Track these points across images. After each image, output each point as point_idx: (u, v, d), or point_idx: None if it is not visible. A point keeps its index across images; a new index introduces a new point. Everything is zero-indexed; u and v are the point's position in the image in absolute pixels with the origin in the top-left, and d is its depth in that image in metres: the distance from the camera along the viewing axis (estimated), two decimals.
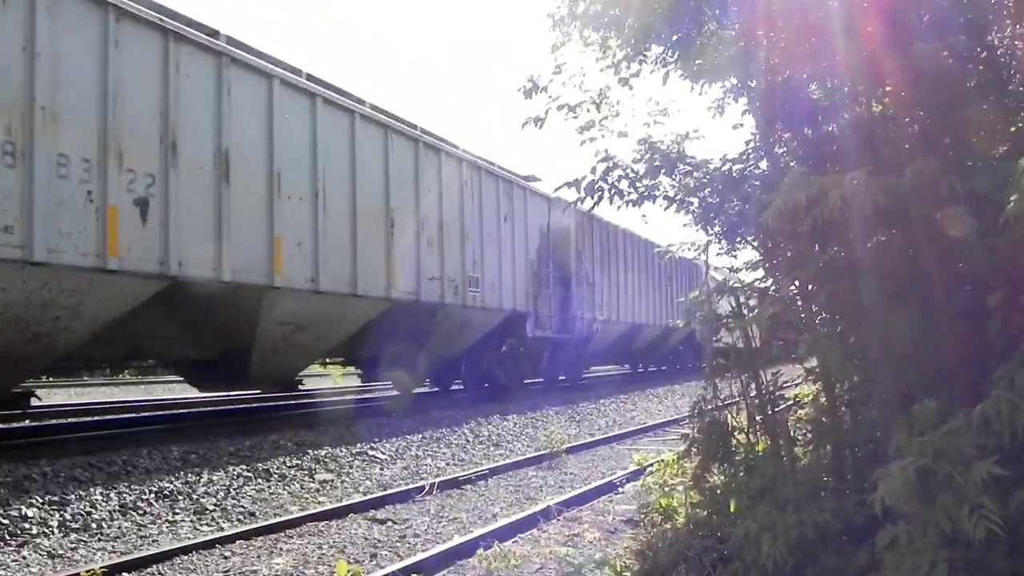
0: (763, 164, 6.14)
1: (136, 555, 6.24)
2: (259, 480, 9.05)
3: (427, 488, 8.90)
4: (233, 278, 10.42)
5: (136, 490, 7.96)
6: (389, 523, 7.62)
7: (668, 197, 6.33)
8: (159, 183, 9.46)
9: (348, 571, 5.51)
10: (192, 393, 17.87)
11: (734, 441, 5.76)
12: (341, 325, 13.18)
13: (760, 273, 6.36)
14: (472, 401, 17.55)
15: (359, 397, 18.58)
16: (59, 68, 8.39)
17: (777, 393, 5.66)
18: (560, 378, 23.63)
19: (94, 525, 7.10)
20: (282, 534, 7.11)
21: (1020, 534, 3.39)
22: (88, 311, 8.97)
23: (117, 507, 7.54)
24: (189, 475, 8.67)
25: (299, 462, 9.92)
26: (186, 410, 15.88)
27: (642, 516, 7.18)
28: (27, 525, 6.78)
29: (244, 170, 10.67)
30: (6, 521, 6.74)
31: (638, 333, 27.26)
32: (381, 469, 10.32)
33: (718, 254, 7.07)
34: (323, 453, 10.46)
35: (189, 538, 6.93)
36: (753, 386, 5.69)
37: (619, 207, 6.31)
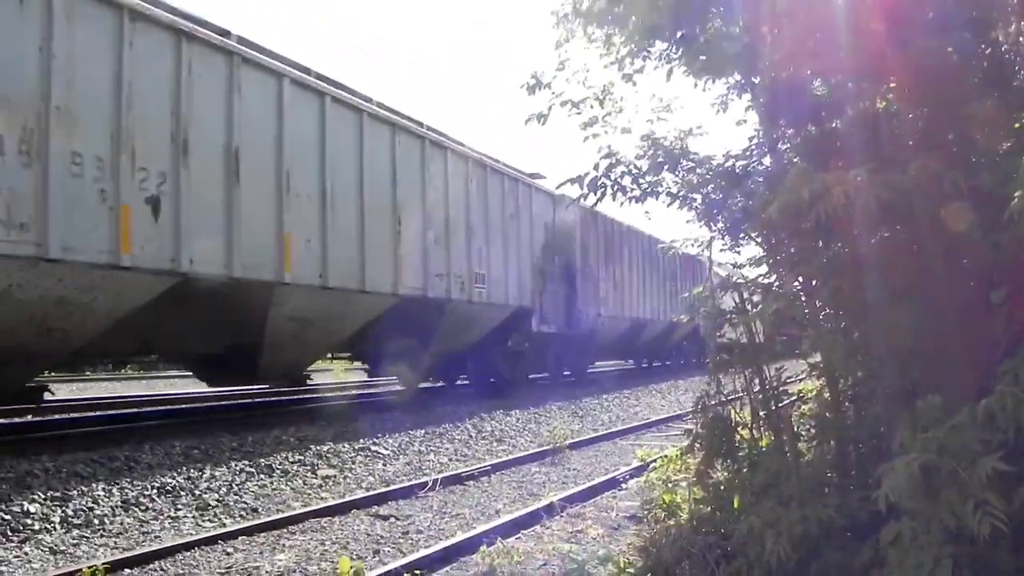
0: (766, 160, 6.13)
1: (138, 551, 6.25)
2: (261, 476, 9.06)
3: (430, 484, 8.90)
4: (243, 274, 10.52)
5: (138, 486, 7.97)
6: (392, 519, 7.62)
7: (671, 193, 6.32)
8: (171, 181, 9.54)
9: (351, 567, 5.51)
10: (194, 388, 17.90)
11: (738, 437, 5.76)
12: (349, 321, 13.30)
13: (763, 269, 6.35)
14: (475, 396, 17.56)
15: (362, 392, 18.59)
16: (74, 68, 8.45)
17: (781, 389, 5.66)
18: (565, 373, 23.66)
19: (96, 521, 7.11)
20: (285, 530, 7.12)
21: None
22: (101, 307, 9.09)
23: (119, 503, 7.55)
24: (191, 471, 8.68)
25: (302, 458, 9.93)
26: (188, 405, 15.89)
27: (645, 512, 7.17)
28: (29, 521, 6.78)
29: (254, 168, 10.75)
30: (8, 517, 6.74)
31: (642, 329, 27.31)
32: (384, 465, 10.33)
33: (721, 250, 7.06)
34: (326, 449, 10.46)
35: (191, 534, 6.95)
36: (757, 382, 5.69)
37: (622, 203, 6.30)
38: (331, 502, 8.11)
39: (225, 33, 10.53)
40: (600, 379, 24.50)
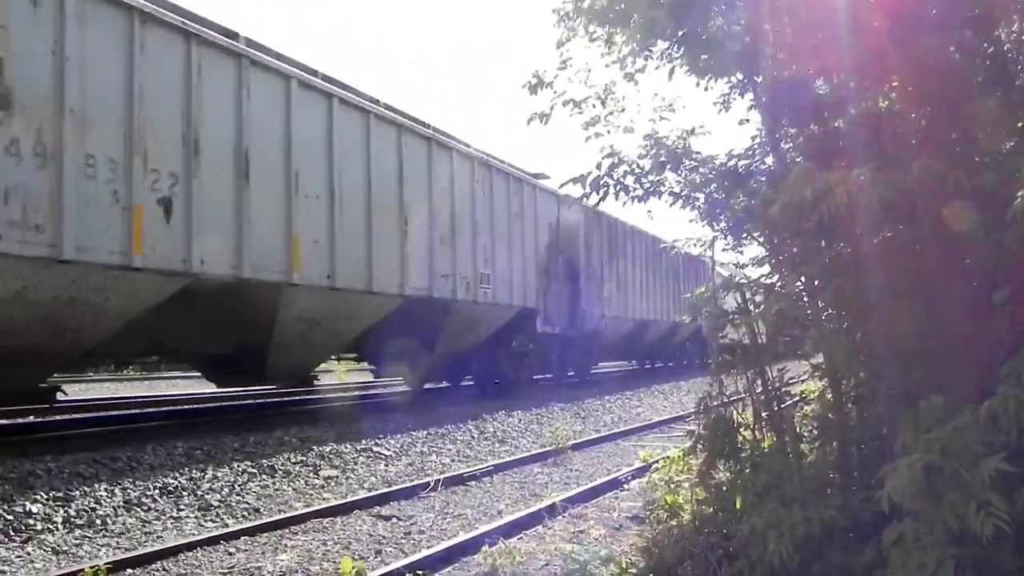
0: (769, 160, 6.12)
1: (141, 551, 6.24)
2: (264, 476, 9.05)
3: (432, 484, 8.89)
4: (253, 275, 10.59)
5: (141, 486, 7.97)
6: (394, 520, 7.62)
7: (674, 193, 6.31)
8: (182, 182, 9.64)
9: (353, 568, 5.50)
10: (196, 389, 17.91)
11: (740, 438, 5.75)
12: (356, 321, 13.37)
13: (766, 269, 6.35)
14: (477, 397, 17.56)
15: (365, 393, 18.60)
16: (86, 71, 8.54)
17: (783, 389, 5.65)
18: (569, 374, 23.66)
19: (98, 521, 7.11)
20: (287, 531, 7.11)
21: None
22: (113, 307, 9.19)
23: (122, 503, 7.55)
24: (194, 471, 8.68)
25: (304, 458, 9.92)
26: (191, 406, 15.90)
27: (648, 513, 7.17)
28: (32, 521, 6.78)
29: (263, 169, 10.84)
30: (11, 517, 6.74)
31: (645, 329, 27.29)
32: (386, 465, 10.33)
33: (724, 250, 7.06)
34: (328, 449, 10.46)
35: (194, 534, 6.94)
36: (759, 382, 5.68)
37: (624, 203, 6.29)
38: (333, 502, 8.10)
39: (233, 35, 10.61)
40: (602, 380, 24.49)
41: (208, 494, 8.18)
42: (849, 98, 5.09)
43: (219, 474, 8.75)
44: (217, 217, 10.11)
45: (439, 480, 9.06)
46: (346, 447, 10.70)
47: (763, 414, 5.73)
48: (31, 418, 12.76)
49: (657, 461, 8.32)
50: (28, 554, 6.23)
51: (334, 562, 6.09)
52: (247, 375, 12.98)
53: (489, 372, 18.94)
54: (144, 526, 7.21)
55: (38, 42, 8.13)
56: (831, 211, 3.91)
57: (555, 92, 6.55)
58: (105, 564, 5.53)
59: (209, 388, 18.79)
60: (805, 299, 5.39)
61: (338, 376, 22.98)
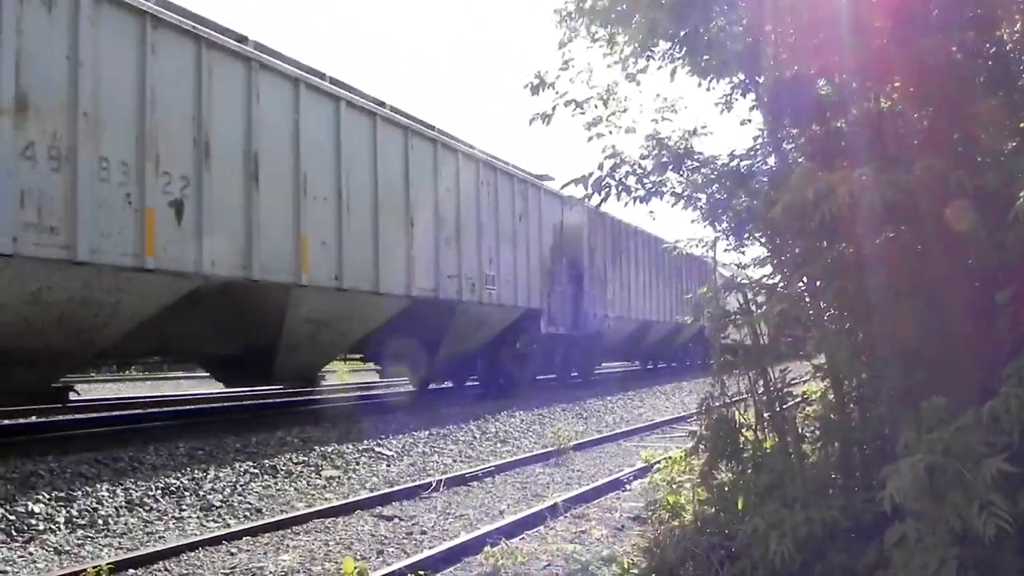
0: (771, 160, 6.12)
1: (143, 551, 6.25)
2: (265, 476, 9.06)
3: (434, 485, 8.89)
4: (262, 276, 10.69)
5: (143, 486, 7.97)
6: (396, 520, 7.62)
7: (676, 193, 6.31)
8: (193, 185, 9.73)
9: (355, 568, 5.50)
10: (198, 389, 17.91)
11: (742, 438, 5.75)
12: (363, 322, 13.44)
13: (768, 269, 6.35)
14: (479, 398, 17.56)
15: (366, 393, 18.60)
16: (100, 75, 8.65)
17: (785, 390, 5.65)
18: (572, 374, 23.69)
19: (101, 521, 7.11)
20: (289, 531, 7.11)
21: None
22: (126, 308, 9.27)
23: (124, 503, 7.55)
24: (195, 471, 8.68)
25: (306, 458, 9.92)
26: (192, 406, 15.90)
27: (649, 513, 7.16)
28: (34, 521, 6.78)
29: (272, 172, 10.95)
30: (13, 517, 6.75)
31: (648, 330, 27.30)
32: (388, 466, 10.33)
33: (726, 250, 7.06)
34: (330, 449, 10.46)
35: (196, 534, 6.94)
36: (761, 383, 5.68)
37: (626, 204, 6.29)
38: (335, 503, 8.11)
39: (243, 39, 10.72)
40: (604, 380, 24.47)
41: (210, 494, 8.18)
42: (851, 98, 5.09)
43: (221, 474, 8.75)
44: (227, 219, 10.22)
45: (441, 480, 9.06)
46: (348, 447, 10.70)
47: (765, 415, 5.73)
48: (33, 418, 12.77)
49: (659, 461, 8.32)
50: (30, 554, 6.24)
51: (336, 562, 6.09)
52: (255, 375, 13.05)
53: (494, 372, 18.99)
54: (146, 526, 7.22)
55: (53, 47, 8.24)
56: (833, 211, 3.91)
57: (557, 93, 6.56)
58: (107, 564, 5.54)
59: (210, 388, 18.82)
60: (807, 300, 5.39)
61: (340, 376, 23.00)
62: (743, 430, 5.80)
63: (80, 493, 7.50)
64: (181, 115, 9.65)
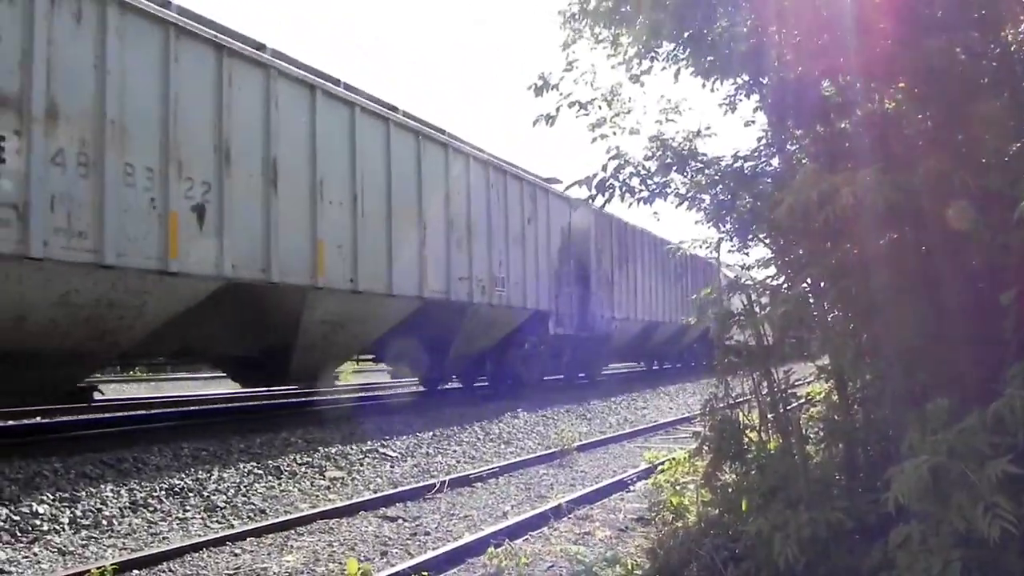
0: (775, 161, 6.12)
1: (147, 552, 6.25)
2: (270, 477, 9.06)
3: (438, 486, 8.89)
4: (280, 279, 10.92)
5: (147, 487, 7.98)
6: (400, 521, 7.62)
7: (680, 194, 6.31)
8: (214, 190, 9.98)
9: (358, 569, 5.51)
10: (202, 390, 17.92)
11: (746, 439, 5.74)
12: (376, 323, 13.69)
13: (772, 270, 6.34)
14: (482, 398, 17.58)
15: (371, 394, 18.60)
16: (126, 83, 8.91)
17: (789, 391, 5.64)
18: (580, 375, 23.72)
19: (105, 522, 7.12)
20: (292, 532, 7.12)
21: None
22: (150, 310, 9.50)
23: (128, 504, 7.56)
24: (200, 472, 8.69)
25: (310, 459, 9.93)
26: (197, 407, 15.91)
27: (653, 514, 7.17)
28: (38, 522, 6.79)
29: (290, 177, 11.18)
30: (17, 518, 6.76)
31: (654, 331, 27.36)
32: (392, 467, 10.33)
33: (730, 251, 7.06)
34: (334, 450, 10.47)
35: (199, 535, 6.95)
36: (765, 384, 5.67)
37: (630, 205, 6.29)
38: (339, 503, 8.11)
39: (261, 47, 10.98)
40: (609, 382, 24.48)
41: (214, 495, 8.19)
42: (855, 99, 5.09)
43: (225, 475, 8.76)
44: (247, 223, 10.46)
45: (445, 481, 9.06)
46: (352, 448, 10.71)
47: (769, 416, 5.71)
48: (38, 419, 12.78)
49: (663, 463, 8.32)
50: (35, 555, 6.25)
51: (340, 563, 6.09)
52: (272, 376, 13.24)
53: (502, 373, 19.13)
54: (150, 527, 7.22)
55: (81, 57, 8.51)
56: (837, 212, 3.91)
57: (561, 94, 6.56)
58: (111, 565, 5.54)
59: (213, 389, 18.82)
60: (811, 301, 5.38)
61: (345, 377, 22.99)
62: (747, 431, 5.79)
63: (84, 494, 7.51)
64: (202, 121, 9.88)
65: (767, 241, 6.12)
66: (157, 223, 9.22)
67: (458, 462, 10.93)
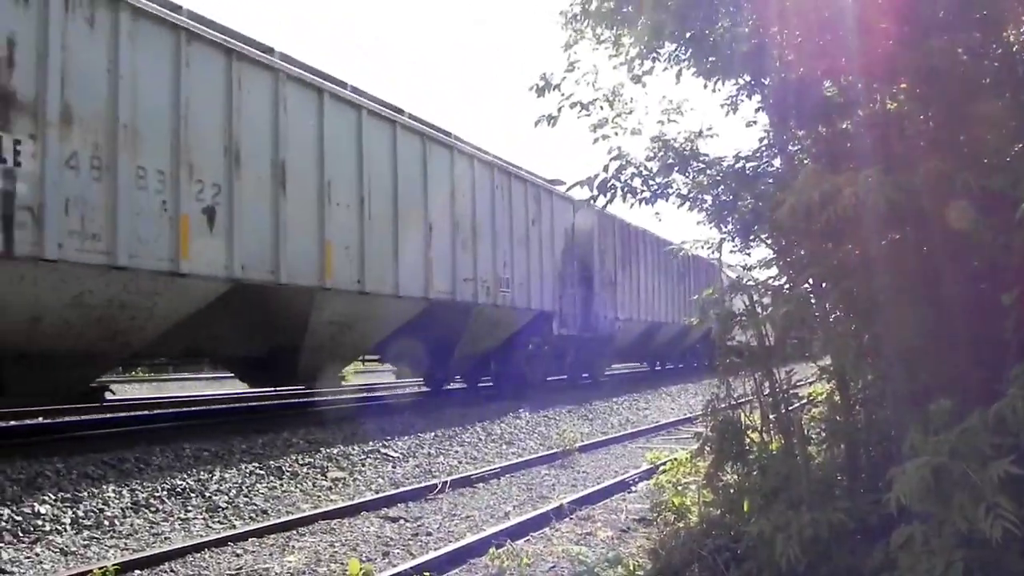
0: (777, 161, 6.11)
1: (148, 552, 6.26)
2: (271, 478, 9.07)
3: (440, 486, 8.90)
4: (289, 280, 11.09)
5: (148, 487, 7.99)
6: (401, 521, 7.62)
7: (681, 195, 6.30)
8: (224, 192, 10.14)
9: (360, 569, 5.50)
10: (204, 390, 17.93)
11: (747, 440, 5.73)
12: (383, 324, 13.90)
13: (774, 271, 6.33)
14: (485, 399, 17.59)
15: (371, 395, 18.60)
16: (138, 88, 9.10)
17: (791, 391, 5.63)
18: (583, 376, 23.76)
19: (107, 522, 7.13)
20: (294, 532, 7.12)
21: None
22: (161, 311, 9.67)
23: (130, 504, 7.57)
24: (201, 473, 8.70)
25: (311, 460, 9.93)
26: (199, 407, 15.91)
27: (655, 515, 7.17)
28: (40, 522, 6.80)
29: (298, 179, 11.35)
30: (20, 518, 6.76)
31: (657, 331, 27.42)
32: (393, 467, 10.33)
33: (732, 252, 7.04)
34: (335, 451, 10.47)
35: (201, 536, 6.95)
36: (767, 384, 5.66)
37: (632, 205, 6.29)
38: (341, 504, 8.11)
39: (269, 50, 11.10)
40: (610, 382, 24.47)
41: (216, 495, 8.19)
42: (857, 100, 5.08)
43: (227, 475, 8.76)
44: (256, 225, 10.62)
45: (447, 482, 9.07)
46: (353, 449, 10.72)
47: (771, 416, 5.71)
48: (40, 419, 12.79)
49: (664, 463, 8.31)
50: (37, 555, 6.26)
51: (342, 564, 6.09)
52: (280, 376, 13.37)
53: (507, 373, 19.21)
54: (152, 527, 7.23)
55: (95, 61, 8.68)
56: (839, 213, 3.91)
57: (562, 94, 6.55)
58: (113, 565, 5.54)
59: (215, 389, 18.82)
60: (813, 301, 5.37)
61: (347, 378, 22.99)
62: (749, 432, 5.78)
63: (86, 494, 7.52)
64: (213, 125, 10.04)
65: (769, 242, 6.11)
66: (168, 225, 9.38)
67: (460, 462, 10.93)
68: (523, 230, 18.23)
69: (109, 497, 7.57)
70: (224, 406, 16.19)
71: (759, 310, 5.65)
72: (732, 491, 5.64)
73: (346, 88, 12.55)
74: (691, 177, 6.23)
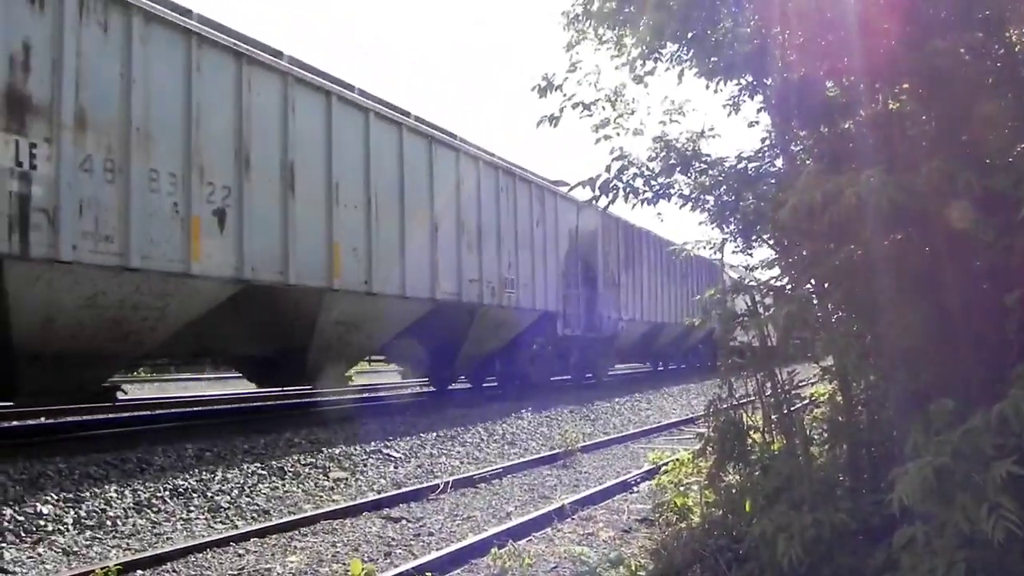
0: (779, 162, 6.11)
1: (151, 552, 6.26)
2: (273, 478, 9.07)
3: (441, 487, 8.90)
4: (297, 281, 11.22)
5: (151, 488, 7.99)
6: (403, 521, 7.62)
7: (683, 195, 6.31)
8: (234, 194, 10.27)
9: (362, 570, 5.51)
10: (206, 391, 17.94)
11: (749, 440, 5.74)
12: (390, 324, 14.02)
13: (776, 271, 6.34)
14: (487, 399, 17.59)
15: (375, 395, 18.61)
16: (150, 92, 9.25)
17: (793, 392, 5.64)
18: (587, 376, 23.80)
19: (109, 522, 7.13)
20: (296, 532, 7.12)
21: None
22: (172, 312, 9.80)
23: (132, 504, 7.57)
24: (203, 473, 8.70)
25: (313, 460, 9.93)
26: (201, 408, 15.92)
27: (657, 515, 7.17)
28: (42, 522, 6.80)
29: (307, 181, 11.49)
30: (22, 518, 6.76)
31: (660, 332, 27.48)
32: (395, 467, 10.33)
33: (734, 252, 7.05)
34: (337, 451, 10.47)
35: (203, 536, 6.95)
36: (769, 385, 5.67)
37: (634, 205, 6.29)
38: (343, 504, 8.11)
39: (278, 54, 11.22)
40: (612, 383, 24.47)
41: (218, 495, 8.19)
42: (859, 100, 5.08)
43: (229, 475, 8.76)
44: (265, 227, 10.75)
45: (448, 482, 9.06)
46: (355, 449, 10.71)
47: (773, 416, 5.72)
48: (42, 419, 12.80)
49: (666, 463, 8.32)
50: (39, 555, 6.26)
51: (344, 564, 6.09)
52: (287, 376, 13.47)
53: (511, 373, 19.31)
54: (154, 527, 7.23)
55: (108, 66, 8.84)
56: (841, 213, 3.91)
57: (564, 95, 6.56)
58: (115, 565, 5.54)
59: (217, 390, 18.83)
60: (815, 301, 5.37)
61: (352, 378, 22.99)
62: (751, 432, 5.79)
63: (88, 494, 7.52)
64: (223, 128, 10.17)
65: (771, 242, 6.12)
66: (180, 227, 9.52)
67: (462, 463, 10.93)
68: (527, 231, 18.33)
69: (111, 497, 7.57)
70: (226, 406, 16.20)
71: (761, 310, 5.66)
72: (734, 491, 5.64)
73: (353, 91, 12.66)
74: (693, 177, 6.24)
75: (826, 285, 5.23)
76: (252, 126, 10.53)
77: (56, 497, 7.30)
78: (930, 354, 4.28)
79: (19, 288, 8.14)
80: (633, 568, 5.47)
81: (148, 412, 14.90)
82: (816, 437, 5.66)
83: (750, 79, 6.06)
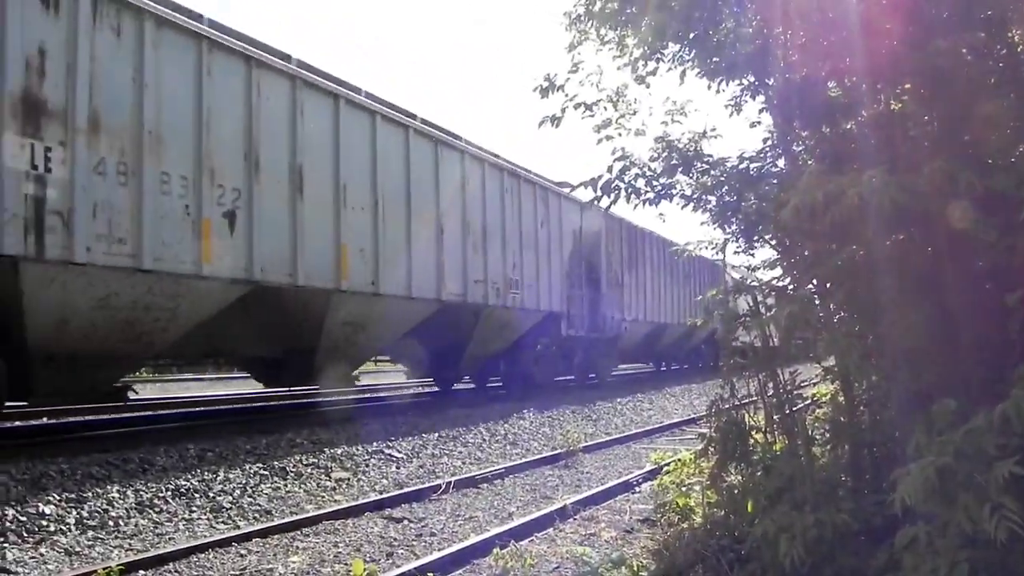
0: (781, 162, 6.11)
1: (153, 553, 6.26)
2: (275, 478, 9.07)
3: (443, 487, 8.90)
4: (306, 282, 11.33)
5: (153, 488, 7.99)
6: (405, 522, 7.62)
7: (685, 196, 6.31)
8: (244, 197, 10.39)
9: (364, 570, 5.51)
10: (208, 391, 17.95)
11: (751, 440, 5.74)
12: (396, 325, 14.13)
13: (778, 271, 6.33)
14: (489, 399, 17.60)
15: (378, 395, 18.62)
16: (162, 95, 9.43)
17: (795, 392, 5.63)
18: (590, 376, 23.82)
19: (111, 523, 7.13)
20: (298, 532, 7.12)
21: None
22: (183, 313, 9.90)
23: (134, 505, 7.57)
24: (206, 473, 8.70)
25: (315, 460, 9.93)
26: (203, 408, 15.93)
27: (659, 515, 7.17)
28: (44, 522, 6.80)
29: (315, 183, 11.58)
30: (24, 518, 6.77)
31: (663, 332, 27.50)
32: (397, 468, 10.33)
33: (736, 253, 7.05)
34: (339, 451, 10.47)
35: (205, 536, 6.95)
36: (771, 385, 5.66)
37: (636, 206, 6.29)
38: (345, 504, 8.11)
39: (287, 57, 11.32)
40: (614, 383, 24.46)
41: (220, 496, 8.20)
42: (861, 100, 5.08)
43: (231, 476, 8.76)
44: (275, 228, 10.86)
45: (450, 482, 9.06)
46: (357, 449, 10.71)
47: (775, 417, 5.71)
48: (44, 419, 12.81)
49: (668, 464, 8.31)
50: (41, 555, 6.26)
51: (346, 564, 6.10)
52: (295, 377, 13.54)
53: (516, 373, 19.35)
54: (156, 527, 7.24)
55: (121, 70, 8.94)
56: (843, 213, 3.91)
57: (566, 95, 6.56)
58: (118, 566, 5.55)
59: (217, 390, 18.83)
60: (817, 302, 5.37)
61: (358, 378, 22.99)
62: (753, 432, 5.79)
63: (91, 494, 7.52)
64: (233, 131, 10.28)
65: (773, 242, 6.12)
66: (191, 229, 9.63)
67: (464, 463, 10.94)
68: (532, 232, 18.42)
69: (113, 497, 7.57)
70: (228, 406, 16.21)
71: (763, 311, 5.65)
72: (736, 492, 5.64)
73: (360, 93, 12.75)
74: (695, 178, 6.24)
75: (828, 285, 5.23)
76: (261, 129, 10.62)
77: (58, 497, 7.30)
78: (932, 354, 4.28)
79: (34, 289, 8.24)
80: (635, 568, 5.47)
81: (150, 412, 14.90)
82: (818, 437, 5.66)
83: (752, 79, 6.06)
